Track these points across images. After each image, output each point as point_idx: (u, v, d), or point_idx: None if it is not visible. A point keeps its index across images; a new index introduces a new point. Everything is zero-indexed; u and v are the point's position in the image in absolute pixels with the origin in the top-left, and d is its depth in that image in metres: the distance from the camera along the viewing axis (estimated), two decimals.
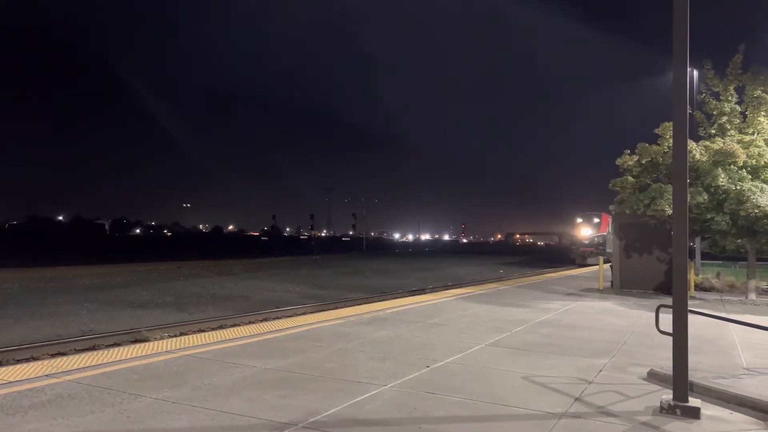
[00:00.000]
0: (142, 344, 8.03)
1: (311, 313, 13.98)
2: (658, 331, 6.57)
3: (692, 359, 5.64)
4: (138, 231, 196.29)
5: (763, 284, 19.85)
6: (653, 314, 6.92)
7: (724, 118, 15.66)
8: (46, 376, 6.02)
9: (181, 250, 63.76)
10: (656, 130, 15.90)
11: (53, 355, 9.83)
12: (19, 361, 9.18)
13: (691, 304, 6.55)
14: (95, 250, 57.08)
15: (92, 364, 6.61)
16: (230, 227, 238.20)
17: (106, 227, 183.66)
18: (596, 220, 45.75)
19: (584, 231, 45.75)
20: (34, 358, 9.53)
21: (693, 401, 5.17)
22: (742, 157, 14.25)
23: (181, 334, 11.86)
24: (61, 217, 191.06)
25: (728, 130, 15.55)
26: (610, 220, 42.52)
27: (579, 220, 47.06)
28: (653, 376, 6.44)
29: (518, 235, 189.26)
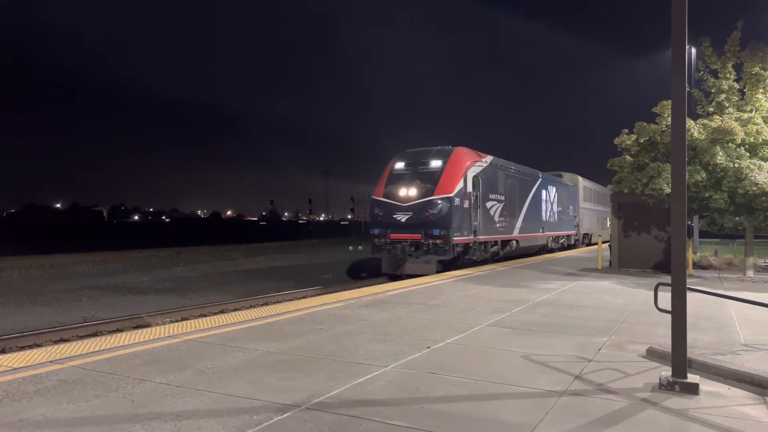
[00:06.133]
0: (144, 329, 8.06)
1: (312, 296, 14.07)
2: (656, 309, 6.63)
3: (690, 336, 5.70)
4: (136, 217, 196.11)
5: (761, 261, 19.98)
6: (651, 292, 6.96)
7: (722, 96, 15.59)
8: (50, 362, 6.05)
9: (180, 235, 63.80)
10: (654, 109, 15.83)
11: (56, 342, 9.92)
12: (22, 348, 9.26)
13: (690, 282, 6.59)
14: (94, 237, 57.04)
15: (95, 349, 6.65)
16: (228, 213, 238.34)
17: (104, 214, 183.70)
18: (435, 163, 18.83)
19: (404, 191, 18.51)
20: (38, 345, 9.60)
21: (692, 377, 5.22)
22: (740, 135, 14.23)
23: (183, 319, 11.95)
24: (58, 205, 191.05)
25: (726, 107, 15.49)
26: (469, 167, 19.05)
27: (398, 165, 19.51)
28: (652, 354, 6.49)
29: None
